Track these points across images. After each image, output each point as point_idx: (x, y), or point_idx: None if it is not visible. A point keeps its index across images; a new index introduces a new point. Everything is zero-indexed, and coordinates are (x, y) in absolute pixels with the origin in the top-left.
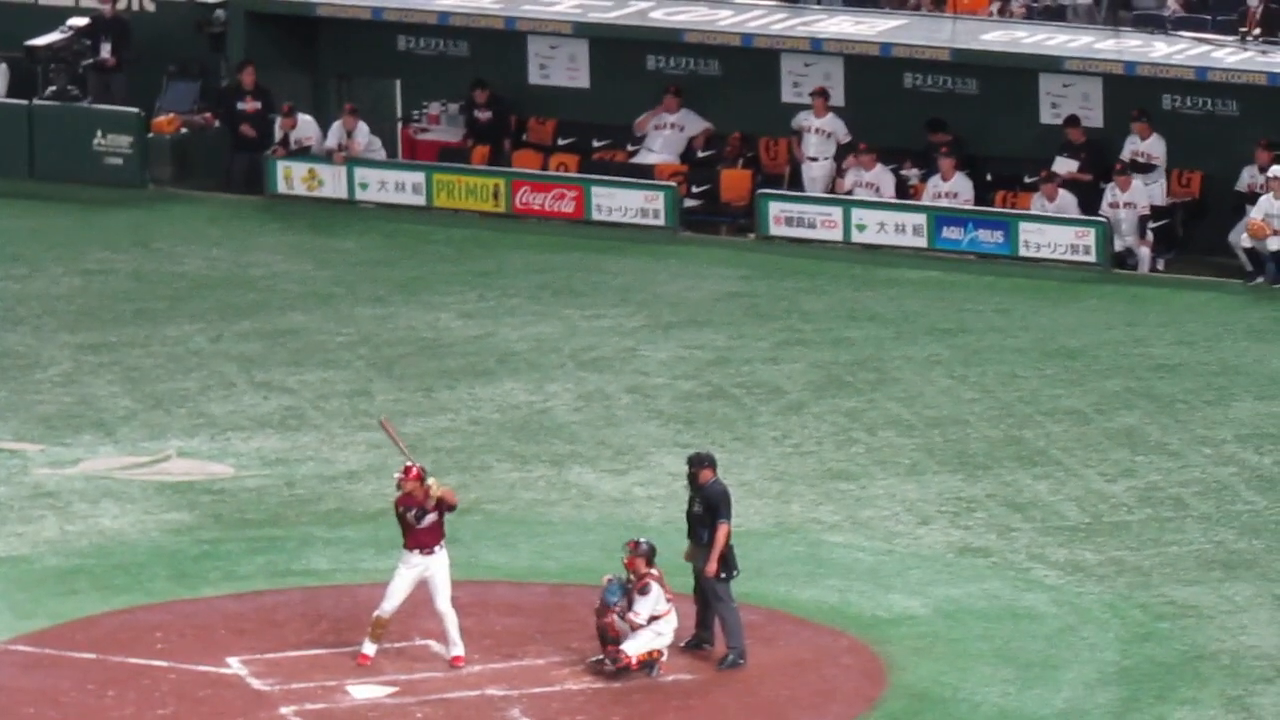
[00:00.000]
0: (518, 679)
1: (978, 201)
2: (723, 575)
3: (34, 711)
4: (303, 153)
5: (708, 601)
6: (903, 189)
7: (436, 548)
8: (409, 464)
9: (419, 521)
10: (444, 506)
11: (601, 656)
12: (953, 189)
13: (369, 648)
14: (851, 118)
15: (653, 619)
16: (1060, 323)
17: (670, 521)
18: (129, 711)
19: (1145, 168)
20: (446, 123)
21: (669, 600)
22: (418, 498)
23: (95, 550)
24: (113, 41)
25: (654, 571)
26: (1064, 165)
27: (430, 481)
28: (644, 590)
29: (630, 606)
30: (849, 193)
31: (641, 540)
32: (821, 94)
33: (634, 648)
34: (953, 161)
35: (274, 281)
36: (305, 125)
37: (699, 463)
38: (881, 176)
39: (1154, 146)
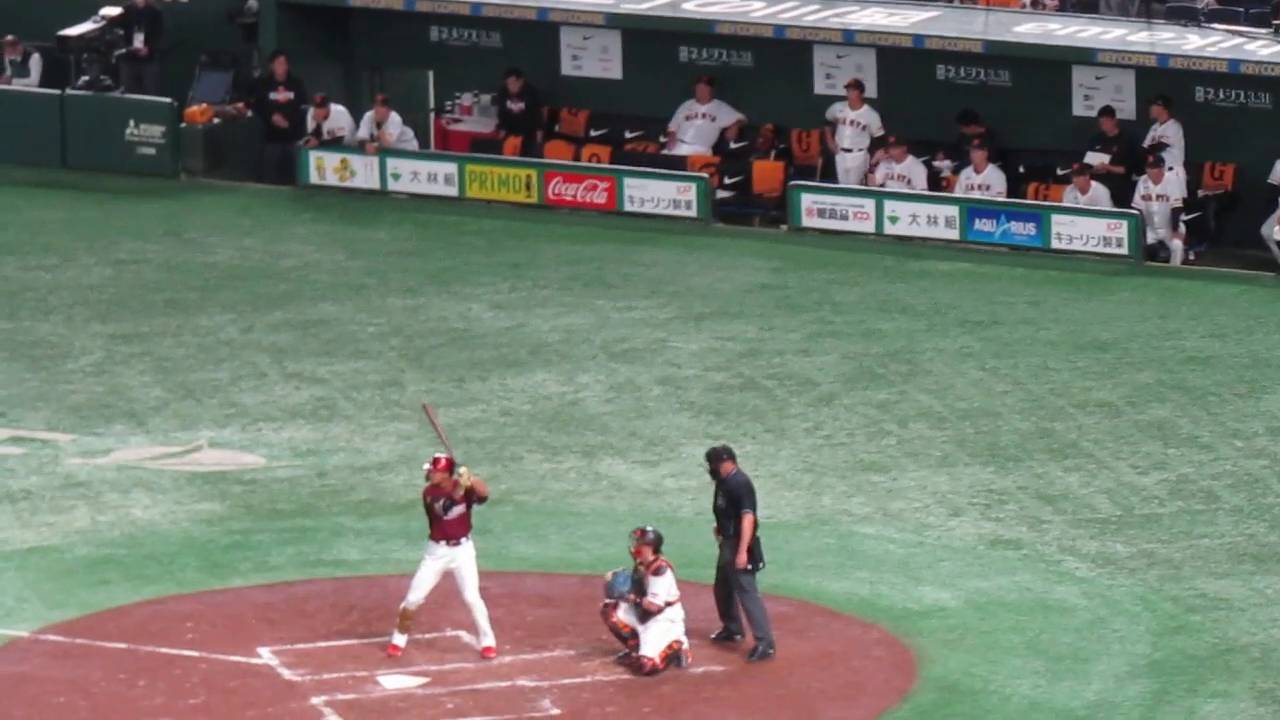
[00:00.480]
0: (548, 670)
1: (1010, 193)
2: (749, 567)
3: (65, 701)
4: (335, 143)
5: (730, 593)
6: (934, 181)
7: (463, 539)
8: (438, 455)
9: (446, 512)
10: (473, 498)
11: (627, 651)
12: (985, 181)
13: (398, 639)
14: (884, 109)
15: (668, 603)
16: (1092, 315)
17: (701, 513)
18: (159, 701)
19: (1156, 147)
20: (479, 113)
21: (678, 590)
22: (445, 489)
23: (126, 540)
24: (145, 31)
25: (663, 558)
26: (1095, 158)
27: (461, 471)
28: (658, 572)
29: (644, 592)
30: (881, 185)
31: (648, 529)
32: (857, 86)
33: (653, 647)
34: (985, 154)
35: (305, 272)
36: (338, 116)
37: (716, 458)
38: (913, 169)
39: (1169, 129)
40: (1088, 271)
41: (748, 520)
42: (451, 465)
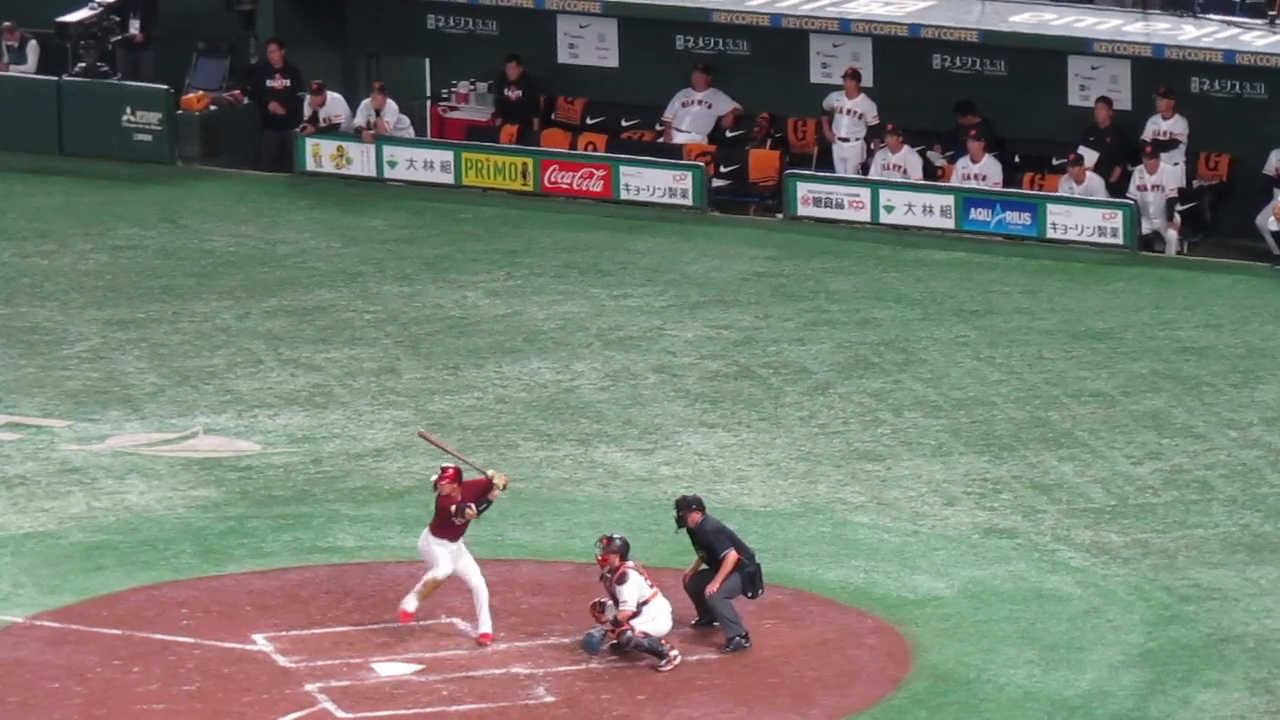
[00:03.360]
0: (543, 657)
1: (1005, 183)
2: (749, 594)
3: (60, 686)
4: (331, 130)
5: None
6: (929, 171)
7: (461, 537)
8: (445, 465)
9: (458, 517)
10: (486, 499)
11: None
12: (981, 171)
13: (410, 602)
14: (880, 99)
15: (641, 604)
16: (1087, 305)
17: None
18: (154, 687)
19: (1168, 145)
20: (475, 101)
21: (652, 585)
22: (456, 497)
23: (122, 526)
24: (142, 18)
25: (630, 563)
26: (1088, 154)
27: (491, 473)
28: (622, 580)
29: (618, 602)
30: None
31: (615, 536)
32: (853, 75)
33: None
34: (982, 144)
35: (302, 259)
36: (334, 103)
37: (685, 507)
38: (908, 158)
39: (1176, 125)
40: (1083, 261)
41: (730, 557)
42: (458, 475)
